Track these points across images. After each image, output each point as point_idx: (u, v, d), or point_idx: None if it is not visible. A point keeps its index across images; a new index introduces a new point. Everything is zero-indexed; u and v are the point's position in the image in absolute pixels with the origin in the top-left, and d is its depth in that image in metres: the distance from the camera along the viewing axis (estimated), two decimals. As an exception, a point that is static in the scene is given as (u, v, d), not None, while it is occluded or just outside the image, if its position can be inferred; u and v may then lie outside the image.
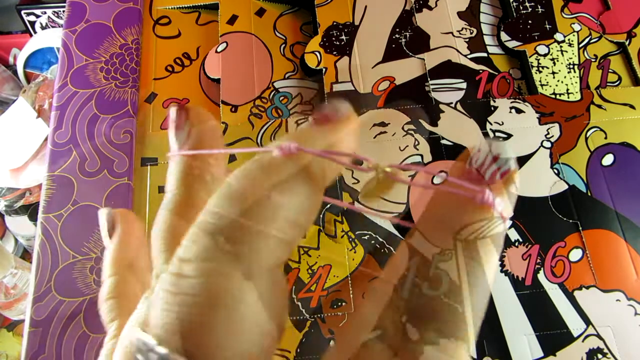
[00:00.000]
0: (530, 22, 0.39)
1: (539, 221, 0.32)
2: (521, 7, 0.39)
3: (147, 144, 0.37)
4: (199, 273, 0.11)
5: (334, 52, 0.38)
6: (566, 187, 0.33)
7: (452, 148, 0.34)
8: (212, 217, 0.11)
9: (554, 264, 0.31)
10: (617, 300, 0.30)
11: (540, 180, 0.33)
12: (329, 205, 0.33)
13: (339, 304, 0.31)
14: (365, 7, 0.40)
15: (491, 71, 0.37)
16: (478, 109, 0.36)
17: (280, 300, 0.12)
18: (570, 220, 0.32)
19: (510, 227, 0.32)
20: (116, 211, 0.20)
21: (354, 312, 0.30)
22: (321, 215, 0.33)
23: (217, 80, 0.38)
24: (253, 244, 0.11)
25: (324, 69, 0.37)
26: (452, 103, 0.36)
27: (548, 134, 0.35)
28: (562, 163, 0.34)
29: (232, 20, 0.40)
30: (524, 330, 0.30)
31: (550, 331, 0.30)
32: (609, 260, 0.31)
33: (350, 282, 0.31)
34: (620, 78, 0.37)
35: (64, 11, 0.42)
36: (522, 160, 0.34)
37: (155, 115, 0.38)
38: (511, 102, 0.36)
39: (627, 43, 0.38)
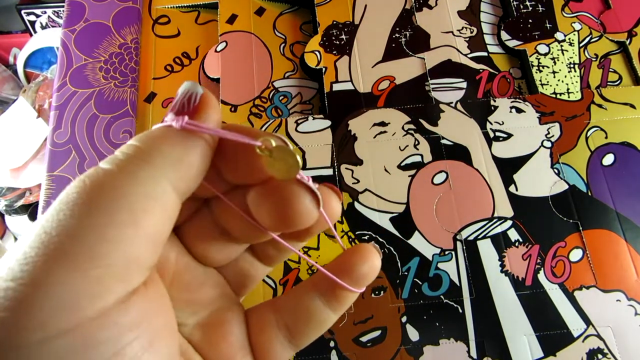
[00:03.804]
0: (530, 21, 0.38)
1: (539, 221, 0.32)
2: (521, 6, 0.39)
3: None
4: None
5: (334, 52, 0.38)
6: (566, 187, 0.33)
7: (452, 148, 0.34)
8: None
9: (554, 264, 0.31)
10: (617, 300, 0.30)
11: (540, 180, 0.33)
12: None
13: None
14: (365, 6, 0.40)
15: (491, 70, 0.37)
16: (478, 109, 0.35)
17: None
18: (571, 220, 0.32)
19: (510, 227, 0.32)
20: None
21: None
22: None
23: (217, 80, 0.38)
24: None
25: (323, 69, 0.37)
26: (452, 103, 0.36)
27: (548, 133, 0.34)
28: (563, 163, 0.34)
29: (232, 19, 0.40)
30: (524, 331, 0.30)
31: (551, 331, 0.30)
32: (609, 260, 0.31)
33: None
34: (620, 77, 0.37)
35: (63, 10, 0.42)
36: (522, 160, 0.34)
37: (155, 115, 0.38)
38: (511, 102, 0.36)
39: (627, 42, 0.38)
